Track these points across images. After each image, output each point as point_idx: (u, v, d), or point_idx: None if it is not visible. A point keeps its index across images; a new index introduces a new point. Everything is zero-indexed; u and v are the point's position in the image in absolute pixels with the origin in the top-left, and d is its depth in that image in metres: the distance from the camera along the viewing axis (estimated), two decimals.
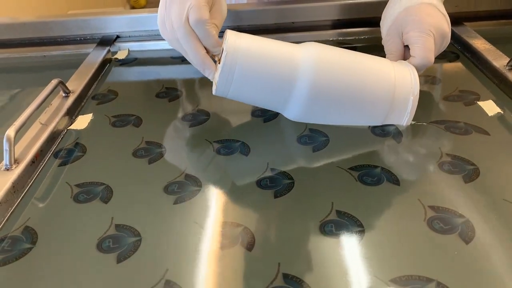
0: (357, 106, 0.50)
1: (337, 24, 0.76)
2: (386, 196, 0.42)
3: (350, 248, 0.37)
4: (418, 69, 0.52)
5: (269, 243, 0.38)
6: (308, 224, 0.39)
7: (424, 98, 0.57)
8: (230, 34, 0.49)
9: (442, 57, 0.67)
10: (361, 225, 0.39)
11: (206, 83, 0.60)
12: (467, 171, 0.44)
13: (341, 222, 0.39)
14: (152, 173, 0.47)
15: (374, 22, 0.75)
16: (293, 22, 0.75)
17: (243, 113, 0.57)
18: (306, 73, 0.48)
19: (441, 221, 0.38)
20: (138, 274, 0.36)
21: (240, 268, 0.36)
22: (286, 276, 0.34)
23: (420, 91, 0.50)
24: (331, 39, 0.75)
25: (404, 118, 0.50)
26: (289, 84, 0.48)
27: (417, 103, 0.49)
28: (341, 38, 0.75)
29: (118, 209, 0.43)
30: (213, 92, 0.51)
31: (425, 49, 0.53)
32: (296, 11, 0.75)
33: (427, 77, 0.63)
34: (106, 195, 0.44)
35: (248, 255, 0.37)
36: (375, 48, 0.68)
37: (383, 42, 0.58)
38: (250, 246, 0.37)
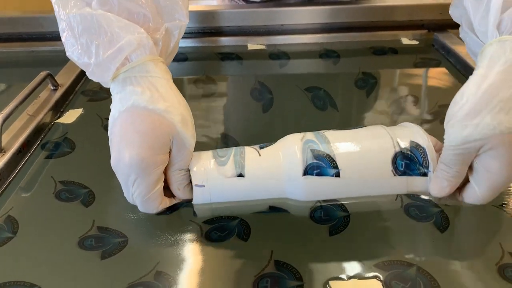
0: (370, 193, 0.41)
1: (326, 28, 0.78)
2: None
3: (336, 234, 0.38)
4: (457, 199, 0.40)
5: (264, 232, 0.38)
6: (300, 212, 0.40)
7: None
8: (193, 182, 0.40)
9: (424, 66, 0.69)
10: (346, 210, 0.40)
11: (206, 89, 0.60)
12: None
13: (329, 207, 0.40)
14: None
15: (361, 27, 0.77)
16: (282, 25, 0.77)
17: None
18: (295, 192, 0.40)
19: (417, 209, 0.40)
20: (126, 268, 0.35)
21: (233, 258, 0.36)
22: (277, 263, 0.35)
23: (398, 116, 0.50)
24: (319, 41, 0.76)
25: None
26: (281, 194, 0.41)
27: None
28: (327, 42, 0.76)
29: (100, 213, 0.41)
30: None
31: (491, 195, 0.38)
32: (286, 13, 0.76)
33: (406, 96, 0.62)
34: (88, 199, 0.43)
35: (243, 245, 0.37)
36: (359, 52, 0.69)
37: (446, 145, 0.38)
38: (245, 237, 0.38)
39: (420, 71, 0.69)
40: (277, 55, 0.73)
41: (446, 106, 0.53)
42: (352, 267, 0.34)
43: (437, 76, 0.67)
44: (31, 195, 0.44)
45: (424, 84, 0.65)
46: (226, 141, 0.51)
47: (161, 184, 0.39)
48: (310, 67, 0.73)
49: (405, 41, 0.76)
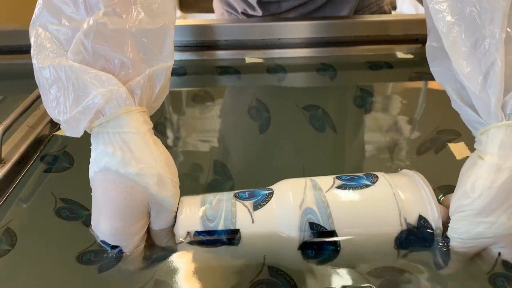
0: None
1: (322, 42, 0.79)
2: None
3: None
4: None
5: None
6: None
7: (399, 153, 0.54)
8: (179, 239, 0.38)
9: (420, 80, 0.70)
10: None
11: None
12: None
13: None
14: None
15: (357, 41, 0.78)
16: (279, 39, 0.78)
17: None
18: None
19: None
20: (124, 279, 0.36)
21: (228, 263, 0.37)
22: (271, 269, 0.35)
23: (395, 144, 0.50)
24: (316, 55, 0.77)
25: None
26: None
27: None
28: (324, 55, 0.77)
29: None
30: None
31: None
32: (283, 27, 0.77)
33: (404, 119, 0.61)
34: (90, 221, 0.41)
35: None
36: (356, 66, 0.69)
37: (453, 236, 0.36)
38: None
39: (417, 88, 0.69)
40: (275, 69, 0.74)
41: (444, 132, 0.53)
42: (345, 274, 0.35)
43: (434, 93, 0.68)
44: (31, 208, 0.44)
45: (421, 104, 0.66)
46: (219, 169, 0.50)
47: (143, 244, 0.38)
48: (308, 82, 0.73)
49: (400, 55, 0.77)
